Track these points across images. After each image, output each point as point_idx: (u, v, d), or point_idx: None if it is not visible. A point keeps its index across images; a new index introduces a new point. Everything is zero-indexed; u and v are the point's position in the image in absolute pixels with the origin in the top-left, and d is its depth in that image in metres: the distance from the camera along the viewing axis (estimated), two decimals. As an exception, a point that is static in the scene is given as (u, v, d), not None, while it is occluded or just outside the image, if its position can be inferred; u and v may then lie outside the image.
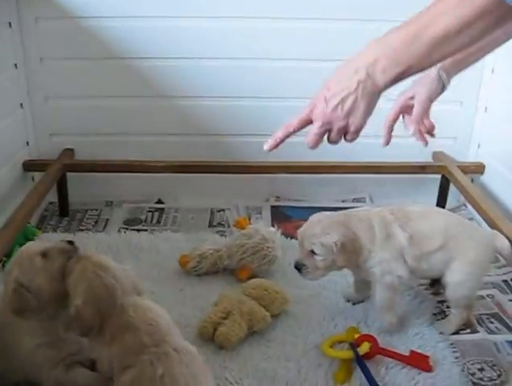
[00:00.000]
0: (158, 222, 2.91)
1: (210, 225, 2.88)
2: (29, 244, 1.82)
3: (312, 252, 1.93)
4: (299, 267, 1.98)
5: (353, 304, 2.20)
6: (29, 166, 2.88)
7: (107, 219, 2.93)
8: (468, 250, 1.99)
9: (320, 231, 1.93)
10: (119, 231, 2.77)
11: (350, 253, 1.93)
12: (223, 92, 2.89)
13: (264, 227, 2.45)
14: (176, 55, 2.82)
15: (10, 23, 2.69)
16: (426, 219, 2.04)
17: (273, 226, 2.57)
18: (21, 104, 2.85)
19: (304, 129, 1.54)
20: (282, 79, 2.89)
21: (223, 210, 3.01)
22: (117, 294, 1.58)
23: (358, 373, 1.84)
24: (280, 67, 2.86)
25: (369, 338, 1.93)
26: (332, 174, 2.96)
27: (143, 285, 1.74)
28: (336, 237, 1.90)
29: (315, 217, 2.03)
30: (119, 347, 1.54)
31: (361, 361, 1.85)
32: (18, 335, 1.70)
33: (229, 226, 2.84)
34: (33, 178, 2.93)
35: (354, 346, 1.90)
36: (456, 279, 1.99)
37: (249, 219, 2.78)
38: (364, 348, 1.88)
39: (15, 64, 2.77)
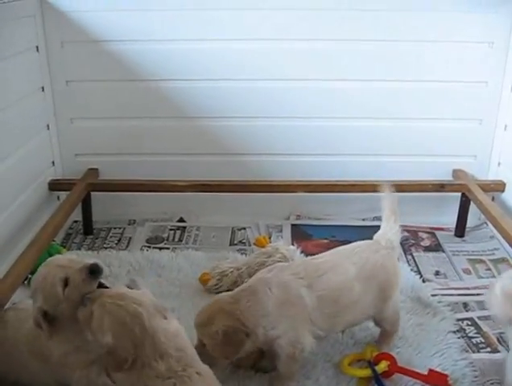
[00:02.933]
0: (180, 240, 2.95)
1: (231, 243, 2.91)
2: (50, 262, 1.81)
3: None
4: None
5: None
6: (54, 186, 2.95)
7: (130, 238, 2.98)
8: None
9: (205, 320, 1.82)
10: (142, 249, 2.82)
11: (235, 345, 1.80)
12: (244, 113, 2.95)
13: (284, 246, 2.48)
14: (198, 77, 2.88)
15: (37, 47, 2.78)
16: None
17: (293, 244, 2.60)
18: (47, 126, 2.93)
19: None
20: (306, 99, 2.93)
21: (244, 228, 3.05)
22: (144, 319, 1.58)
23: (376, 391, 1.85)
24: (303, 88, 2.90)
25: (387, 356, 1.93)
26: (352, 192, 2.97)
27: (163, 303, 1.78)
28: (218, 327, 1.76)
29: (207, 304, 1.88)
30: (149, 373, 1.55)
31: (379, 380, 1.86)
32: (48, 346, 1.76)
33: (249, 244, 2.87)
34: (58, 198, 2.99)
35: (372, 364, 1.91)
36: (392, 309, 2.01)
37: (270, 238, 2.81)
38: (382, 367, 1.89)
39: (42, 87, 2.85)
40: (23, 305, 2.03)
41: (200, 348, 1.77)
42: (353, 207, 3.10)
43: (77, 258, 1.80)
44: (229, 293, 1.90)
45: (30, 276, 2.34)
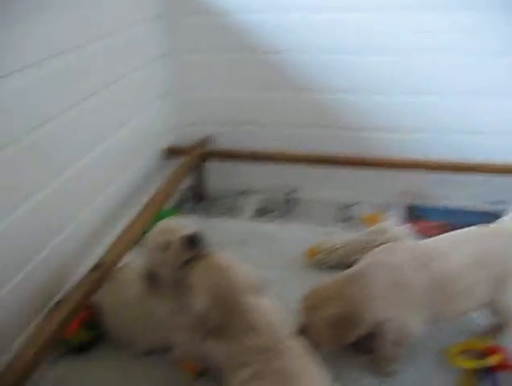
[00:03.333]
0: (290, 212, 2.94)
1: (341, 219, 2.87)
2: (158, 225, 1.86)
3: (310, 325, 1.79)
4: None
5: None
6: (170, 152, 3.02)
7: (240, 207, 3.01)
8: None
9: (315, 304, 1.78)
10: (251, 219, 2.84)
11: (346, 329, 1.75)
12: (362, 87, 2.85)
13: (394, 226, 2.40)
14: (317, 49, 2.82)
15: (159, 16, 2.84)
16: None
17: (404, 225, 2.50)
18: (166, 94, 3.00)
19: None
20: (431, 73, 2.76)
21: (354, 204, 2.98)
22: (239, 291, 1.61)
23: (483, 386, 1.76)
24: (429, 62, 2.74)
25: (500, 350, 1.82)
26: (474, 174, 2.79)
27: (268, 275, 1.77)
28: (330, 312, 1.74)
29: (315, 287, 1.85)
30: (239, 347, 1.57)
31: (488, 373, 1.76)
32: (154, 306, 1.86)
33: (359, 221, 2.81)
34: (173, 164, 3.06)
35: (483, 356, 1.80)
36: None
37: (381, 216, 2.73)
38: (493, 360, 1.78)
39: (163, 55, 2.91)
40: (136, 265, 2.12)
41: (305, 332, 1.75)
42: (472, 189, 2.92)
43: (183, 224, 1.82)
44: (338, 276, 1.85)
45: (143, 237, 2.43)
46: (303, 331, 1.74)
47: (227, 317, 1.58)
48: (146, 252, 1.81)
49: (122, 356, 1.98)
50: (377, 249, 1.92)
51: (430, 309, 1.79)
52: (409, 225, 2.48)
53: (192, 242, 1.70)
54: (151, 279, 1.80)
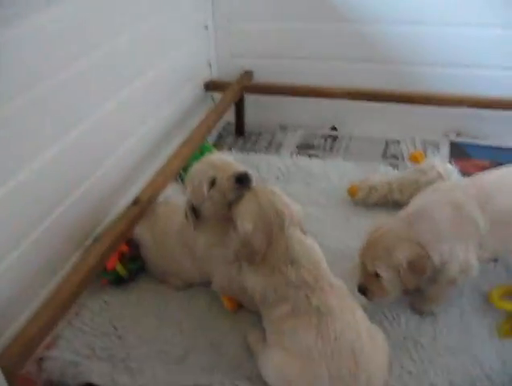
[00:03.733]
0: (331, 149, 2.88)
1: (383, 156, 2.80)
2: (206, 159, 1.86)
3: (377, 274, 1.70)
4: (362, 291, 1.75)
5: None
6: (210, 86, 2.97)
7: (280, 143, 2.96)
8: None
9: (383, 250, 1.68)
10: (291, 155, 2.79)
11: (419, 272, 1.67)
12: (408, 17, 2.71)
13: (441, 164, 2.32)
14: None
15: None
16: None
17: (450, 163, 2.43)
18: (206, 26, 2.92)
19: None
20: (484, 2, 2.59)
21: (398, 141, 2.90)
22: (285, 222, 1.60)
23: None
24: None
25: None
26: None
27: (309, 210, 1.74)
28: (402, 256, 1.65)
29: (375, 232, 1.75)
30: (280, 279, 1.57)
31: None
32: (193, 239, 1.88)
33: (403, 159, 2.75)
34: (213, 98, 3.02)
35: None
36: None
37: (426, 154, 2.65)
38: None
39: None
40: (175, 200, 2.12)
41: (370, 282, 1.72)
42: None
43: (231, 161, 1.80)
44: (395, 218, 1.78)
45: (182, 173, 2.42)
46: (368, 284, 1.72)
47: (270, 245, 1.58)
48: (190, 185, 1.80)
49: (161, 290, 2.00)
50: (430, 188, 1.85)
51: (490, 248, 1.74)
52: (455, 163, 2.40)
53: (241, 180, 1.69)
54: (194, 212, 1.81)
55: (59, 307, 1.62)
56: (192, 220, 1.82)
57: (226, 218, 1.72)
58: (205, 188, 1.73)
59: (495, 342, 1.71)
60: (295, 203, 1.68)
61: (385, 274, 1.68)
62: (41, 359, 1.75)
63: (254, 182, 1.72)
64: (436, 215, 1.70)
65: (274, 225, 1.58)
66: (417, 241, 1.67)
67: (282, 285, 1.56)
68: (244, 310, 1.88)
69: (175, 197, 2.24)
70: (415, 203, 1.80)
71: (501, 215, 1.72)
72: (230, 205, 1.70)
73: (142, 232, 2.03)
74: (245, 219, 1.61)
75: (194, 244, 1.89)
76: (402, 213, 1.79)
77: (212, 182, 1.73)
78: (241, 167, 1.76)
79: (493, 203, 1.72)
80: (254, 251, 1.57)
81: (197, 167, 1.83)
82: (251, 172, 1.73)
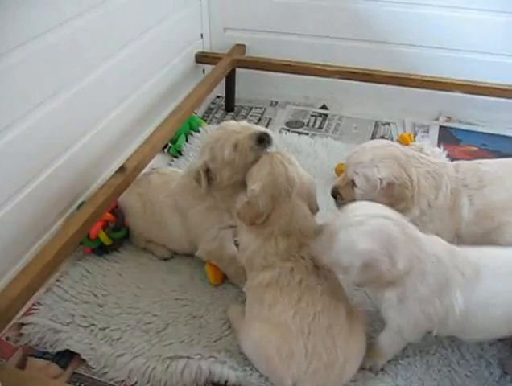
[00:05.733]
0: (320, 127, 2.87)
1: (372, 137, 2.78)
2: (227, 125, 1.84)
3: (353, 182, 1.67)
4: (334, 195, 1.74)
5: None
6: (201, 58, 2.93)
7: (270, 119, 2.94)
8: None
9: (368, 160, 1.63)
10: (280, 131, 2.78)
11: (394, 199, 1.60)
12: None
13: (429, 147, 2.32)
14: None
15: None
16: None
17: (439, 147, 2.42)
18: (200, -4, 2.88)
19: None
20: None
21: (388, 123, 2.89)
22: (294, 190, 1.58)
23: None
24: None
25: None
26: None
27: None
28: (385, 174, 1.60)
29: (371, 143, 1.71)
30: (272, 247, 1.57)
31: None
32: (189, 202, 1.88)
33: (392, 140, 2.72)
34: (204, 71, 2.99)
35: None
36: None
37: (415, 137, 2.66)
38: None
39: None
40: (165, 170, 2.12)
41: (344, 188, 1.70)
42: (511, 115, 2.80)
43: (250, 125, 1.81)
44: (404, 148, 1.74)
45: (170, 144, 2.40)
46: (341, 189, 1.71)
47: (275, 208, 1.57)
48: (210, 148, 1.78)
49: (144, 260, 2.00)
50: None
51: (467, 240, 1.68)
52: (443, 147, 2.40)
53: (261, 140, 1.69)
54: (209, 175, 1.80)
55: (40, 273, 1.61)
56: (204, 183, 1.79)
57: (239, 184, 1.73)
58: (228, 152, 1.72)
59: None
60: (311, 178, 1.67)
61: (360, 184, 1.65)
62: (20, 325, 1.73)
63: (274, 145, 1.72)
64: (442, 178, 1.68)
65: (281, 191, 1.57)
66: (410, 173, 1.63)
67: (272, 253, 1.56)
68: (226, 283, 1.88)
69: (164, 168, 2.24)
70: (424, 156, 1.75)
71: (485, 208, 1.68)
72: (247, 170, 1.69)
73: (130, 200, 2.01)
74: (255, 180, 1.60)
75: (189, 208, 1.88)
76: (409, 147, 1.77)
77: (235, 147, 1.72)
78: (262, 128, 1.77)
79: (481, 194, 1.68)
80: (258, 212, 1.56)
81: (218, 133, 1.81)
82: (270, 132, 1.73)
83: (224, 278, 1.89)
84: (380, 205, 1.46)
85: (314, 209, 1.65)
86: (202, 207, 1.85)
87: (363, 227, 1.37)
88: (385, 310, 1.48)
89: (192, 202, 1.87)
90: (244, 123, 1.82)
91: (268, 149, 1.70)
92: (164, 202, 1.95)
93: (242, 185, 1.70)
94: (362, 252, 1.35)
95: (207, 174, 1.79)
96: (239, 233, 1.71)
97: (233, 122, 1.85)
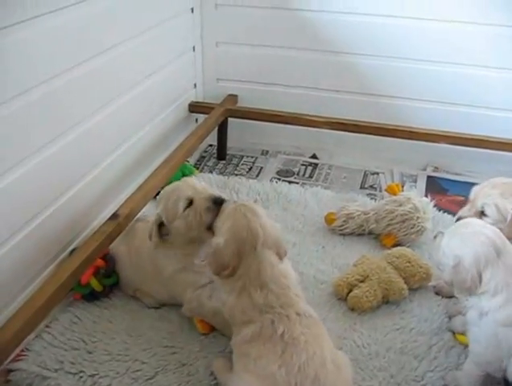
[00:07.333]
0: (311, 176, 2.92)
1: (361, 186, 2.84)
2: (185, 180, 1.91)
3: (482, 213, 1.79)
4: None
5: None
6: (194, 108, 2.99)
7: (261, 168, 2.99)
8: None
9: (498, 193, 1.77)
10: (271, 180, 2.82)
11: None
12: (392, 52, 2.78)
13: (417, 197, 2.36)
14: (347, 11, 2.75)
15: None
16: None
17: (426, 196, 2.47)
18: (193, 48, 2.96)
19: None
20: (466, 43, 2.67)
21: (377, 173, 2.95)
22: (258, 242, 1.58)
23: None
24: (452, 30, 2.66)
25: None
26: (500, 150, 2.72)
27: (285, 236, 1.75)
28: None
29: (499, 179, 1.85)
30: (247, 301, 1.57)
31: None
32: (162, 261, 1.90)
33: (380, 190, 2.79)
34: (196, 120, 3.05)
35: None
36: None
37: (403, 186, 2.69)
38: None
39: (192, 9, 2.86)
40: (150, 218, 2.13)
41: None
42: (498, 166, 2.83)
43: (208, 186, 1.86)
44: None
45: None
46: None
47: (240, 259, 1.57)
48: (165, 202, 1.82)
49: (134, 307, 1.99)
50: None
51: None
52: (431, 197, 2.44)
53: (217, 203, 1.74)
54: (162, 229, 1.83)
55: (29, 319, 1.60)
56: (155, 238, 1.83)
57: (196, 240, 1.77)
58: (181, 206, 1.76)
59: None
60: (275, 225, 1.68)
61: (491, 214, 1.76)
62: (8, 372, 1.72)
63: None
64: None
65: (246, 243, 1.57)
66: None
67: (249, 308, 1.56)
68: (215, 331, 1.88)
69: (149, 215, 2.26)
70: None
71: None
72: (202, 227, 1.75)
73: (118, 247, 2.03)
74: (219, 232, 1.63)
75: (162, 266, 1.90)
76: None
77: (190, 202, 1.75)
78: (217, 193, 1.81)
79: None
80: (223, 265, 1.57)
81: (174, 186, 1.86)
82: (228, 198, 1.78)
83: (212, 328, 1.88)
84: (490, 226, 1.59)
85: (282, 255, 1.65)
86: (173, 268, 1.87)
87: (467, 238, 1.55)
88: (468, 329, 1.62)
89: (164, 260, 1.89)
90: (204, 184, 1.87)
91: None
92: (145, 252, 1.96)
93: (200, 242, 1.75)
94: (456, 256, 1.54)
95: (160, 228, 1.83)
96: (217, 291, 1.72)
97: (193, 179, 1.92)
